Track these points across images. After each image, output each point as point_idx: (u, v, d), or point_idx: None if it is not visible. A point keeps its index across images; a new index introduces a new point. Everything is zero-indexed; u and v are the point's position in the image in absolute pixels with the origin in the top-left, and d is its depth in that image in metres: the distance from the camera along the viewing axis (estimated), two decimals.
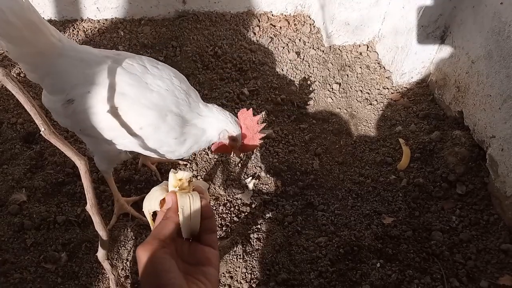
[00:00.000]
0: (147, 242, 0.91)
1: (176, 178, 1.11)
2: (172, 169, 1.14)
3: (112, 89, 1.52)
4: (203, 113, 1.65)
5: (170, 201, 1.02)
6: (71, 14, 2.85)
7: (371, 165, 2.36)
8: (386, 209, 2.17)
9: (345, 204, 2.20)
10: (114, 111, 1.53)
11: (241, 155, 1.76)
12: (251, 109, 1.68)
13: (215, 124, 1.65)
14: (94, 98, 1.53)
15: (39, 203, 2.02)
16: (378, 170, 2.34)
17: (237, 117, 1.71)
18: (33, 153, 2.18)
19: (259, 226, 2.08)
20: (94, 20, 2.89)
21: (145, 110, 1.53)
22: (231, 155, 1.85)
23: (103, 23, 2.89)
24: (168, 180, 1.16)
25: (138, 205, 2.07)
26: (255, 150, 1.74)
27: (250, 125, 1.68)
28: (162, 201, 1.07)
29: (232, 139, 1.67)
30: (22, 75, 2.53)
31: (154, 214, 1.12)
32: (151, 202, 1.10)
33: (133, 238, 1.97)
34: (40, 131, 1.23)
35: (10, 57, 1.59)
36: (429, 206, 2.19)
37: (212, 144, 1.74)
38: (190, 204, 1.01)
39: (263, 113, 1.66)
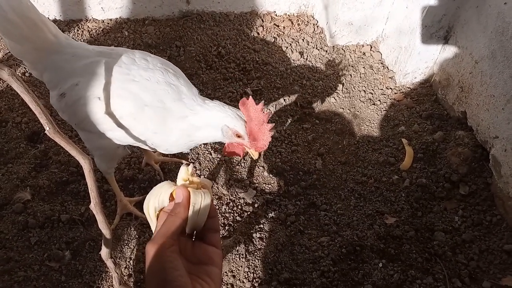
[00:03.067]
0: (157, 239, 0.91)
1: (187, 172, 1.11)
2: (185, 163, 1.13)
3: (97, 81, 1.54)
4: (196, 108, 1.54)
5: (181, 196, 1.00)
6: (76, 14, 2.86)
7: (374, 165, 2.36)
8: (388, 209, 2.17)
9: (347, 204, 2.20)
10: (98, 103, 1.55)
11: (258, 153, 1.56)
12: (251, 97, 1.50)
13: (212, 121, 1.52)
14: (82, 90, 1.56)
15: (44, 201, 2.04)
16: (381, 170, 2.34)
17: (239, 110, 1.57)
18: (38, 152, 2.20)
19: (261, 226, 2.08)
20: (99, 20, 2.91)
21: (122, 100, 1.53)
22: (245, 155, 1.67)
23: (108, 23, 2.90)
24: (170, 180, 1.17)
25: (141, 205, 2.08)
26: (267, 144, 1.51)
27: (255, 116, 1.49)
28: (171, 196, 1.05)
29: (237, 135, 1.52)
30: (27, 74, 2.55)
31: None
32: (159, 197, 1.06)
33: (136, 237, 1.98)
34: (44, 130, 1.24)
35: (13, 55, 1.64)
36: (432, 206, 2.19)
37: (223, 148, 1.65)
38: (201, 201, 1.01)
39: (263, 101, 1.49)
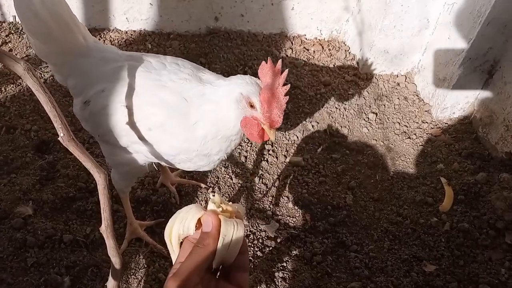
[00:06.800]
0: (180, 273, 0.78)
1: (220, 197, 0.96)
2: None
3: (126, 88, 1.38)
4: (214, 82, 1.35)
5: (210, 224, 0.86)
6: (99, 22, 2.75)
7: (410, 204, 2.15)
8: (427, 255, 1.94)
9: (381, 246, 1.97)
10: (125, 112, 1.38)
11: (274, 132, 1.31)
12: (269, 60, 1.29)
13: (230, 90, 1.30)
14: (108, 97, 1.40)
15: (46, 218, 1.84)
16: (418, 210, 2.12)
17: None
18: (45, 164, 2.02)
19: (284, 264, 1.86)
20: (122, 31, 2.79)
21: (152, 109, 1.36)
22: (261, 137, 1.34)
23: (131, 35, 2.78)
24: (199, 204, 1.01)
25: (152, 231, 1.88)
26: (281, 115, 1.27)
27: (271, 81, 1.26)
28: (198, 223, 0.91)
29: (251, 104, 1.27)
30: (42, 79, 2.40)
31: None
32: (184, 222, 0.92)
33: (145, 266, 1.76)
34: (57, 136, 1.07)
35: (38, 55, 1.50)
36: (475, 255, 1.95)
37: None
38: (233, 232, 0.87)
39: (286, 70, 1.30)
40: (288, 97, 1.28)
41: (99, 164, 1.55)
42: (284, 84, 1.27)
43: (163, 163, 1.49)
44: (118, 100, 1.39)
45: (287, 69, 1.29)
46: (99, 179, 1.17)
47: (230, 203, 1.04)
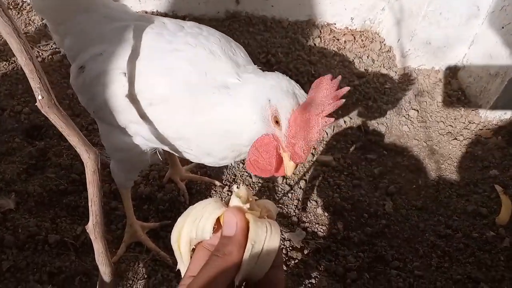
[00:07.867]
0: None
1: (246, 189, 0.72)
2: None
3: (128, 51, 1.10)
4: (244, 77, 1.02)
5: (234, 226, 0.67)
6: None
7: (460, 215, 1.82)
8: (484, 276, 1.61)
9: (427, 263, 1.65)
10: (123, 81, 1.09)
11: (292, 166, 0.95)
12: (330, 78, 0.94)
13: (256, 90, 0.97)
14: (106, 62, 1.12)
15: (30, 214, 1.54)
16: (470, 222, 1.79)
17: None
18: (35, 151, 1.73)
19: (312, 281, 1.54)
20: None
21: (156, 78, 1.06)
22: (275, 170, 0.99)
23: None
24: (218, 198, 0.80)
25: (154, 234, 1.57)
26: (308, 149, 0.92)
27: (316, 101, 0.91)
28: (217, 224, 0.70)
29: (275, 119, 0.94)
30: (40, 57, 2.12)
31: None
32: (198, 223, 0.69)
33: (145, 277, 1.45)
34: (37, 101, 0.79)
35: (34, 10, 1.25)
36: None
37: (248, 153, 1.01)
38: (265, 238, 0.67)
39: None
40: (323, 132, 0.93)
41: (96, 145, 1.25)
42: (330, 115, 0.91)
43: (167, 149, 1.19)
44: (117, 66, 1.10)
45: (343, 100, 0.92)
46: (88, 160, 0.88)
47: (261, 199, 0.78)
